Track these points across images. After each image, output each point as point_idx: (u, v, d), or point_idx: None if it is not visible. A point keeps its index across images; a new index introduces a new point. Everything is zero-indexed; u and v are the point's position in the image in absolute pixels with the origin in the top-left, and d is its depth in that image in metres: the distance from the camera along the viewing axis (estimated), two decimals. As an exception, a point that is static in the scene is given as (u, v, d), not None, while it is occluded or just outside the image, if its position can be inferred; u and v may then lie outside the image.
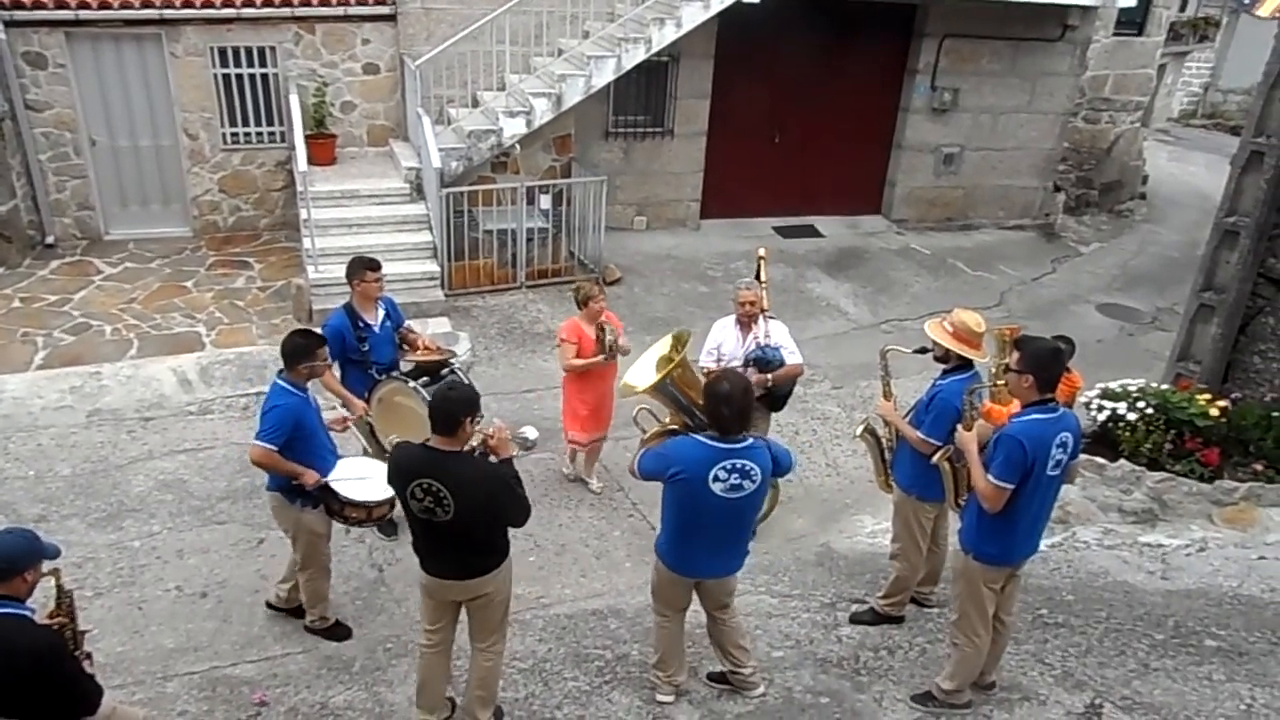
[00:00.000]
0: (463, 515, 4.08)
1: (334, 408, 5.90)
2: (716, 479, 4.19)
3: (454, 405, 4.07)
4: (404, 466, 4.17)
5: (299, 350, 4.95)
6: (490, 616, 4.46)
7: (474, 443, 4.22)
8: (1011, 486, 4.17)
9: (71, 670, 3.55)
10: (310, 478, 4.92)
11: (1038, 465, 4.15)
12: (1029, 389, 4.21)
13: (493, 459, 4.23)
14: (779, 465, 4.43)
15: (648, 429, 5.40)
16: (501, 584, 4.39)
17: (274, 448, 4.83)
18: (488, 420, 4.41)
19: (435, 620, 4.49)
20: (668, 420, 5.44)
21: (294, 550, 5.26)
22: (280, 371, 4.98)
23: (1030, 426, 4.16)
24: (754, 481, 4.25)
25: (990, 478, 4.21)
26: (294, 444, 4.89)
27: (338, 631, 5.43)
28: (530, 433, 4.54)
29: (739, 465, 4.20)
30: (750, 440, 4.27)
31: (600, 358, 6.58)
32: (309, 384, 5.06)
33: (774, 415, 6.51)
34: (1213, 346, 7.23)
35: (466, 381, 6.53)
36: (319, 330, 5.94)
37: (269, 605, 5.60)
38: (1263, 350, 7.19)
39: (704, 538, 4.39)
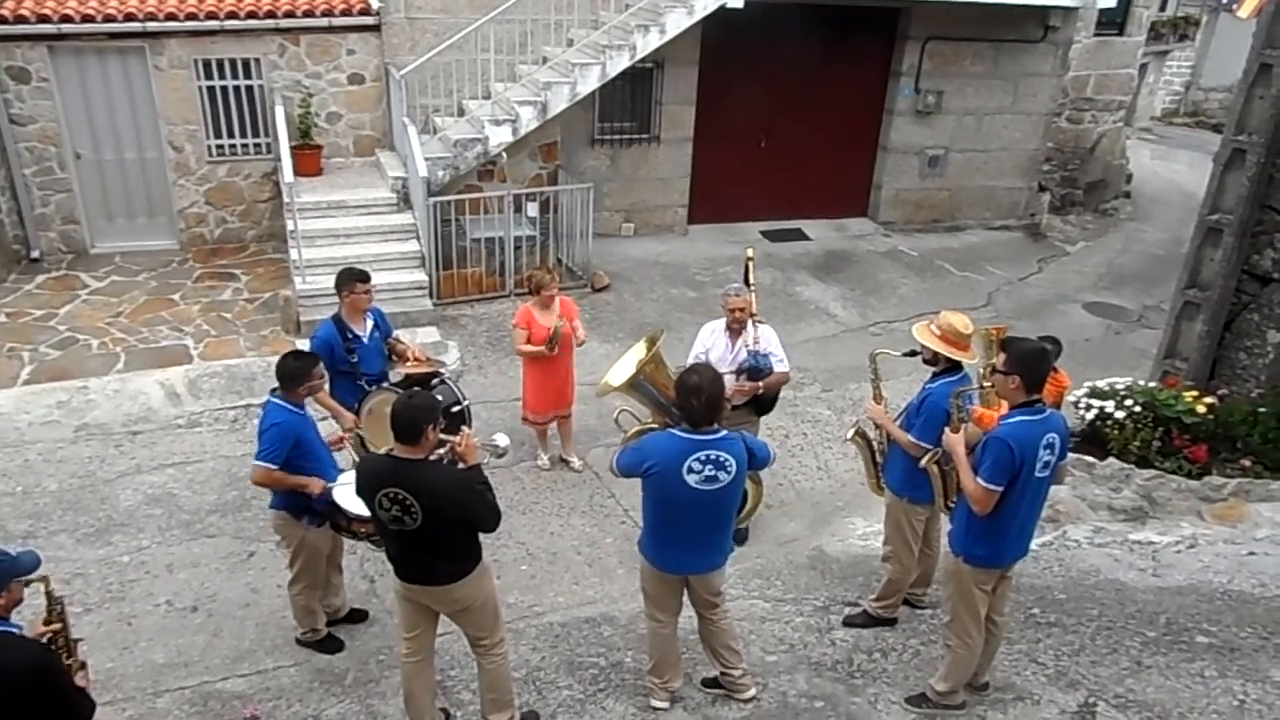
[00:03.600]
0: (431, 522, 4.08)
1: (324, 419, 5.88)
2: (691, 470, 4.20)
3: (415, 413, 4.08)
4: (370, 476, 4.18)
5: (296, 373, 4.92)
6: (474, 620, 4.46)
7: (441, 451, 4.22)
8: (1000, 489, 4.18)
9: (63, 684, 3.52)
10: (316, 486, 4.90)
11: (1026, 467, 4.17)
12: (1016, 390, 4.22)
13: (460, 466, 4.23)
14: (755, 457, 4.44)
15: (629, 430, 5.45)
16: (476, 589, 4.38)
17: (274, 466, 4.82)
18: (476, 429, 4.41)
19: (412, 627, 4.48)
20: (648, 420, 5.49)
21: (289, 565, 5.22)
22: (274, 390, 4.96)
23: (1018, 428, 4.17)
24: (729, 473, 4.26)
25: (979, 480, 4.22)
26: (294, 461, 4.86)
27: (330, 644, 5.40)
28: (501, 440, 4.53)
29: (713, 456, 4.22)
30: (724, 432, 4.29)
31: (544, 347, 6.85)
32: (305, 400, 5.04)
33: (763, 419, 6.51)
34: (1198, 343, 7.27)
35: (457, 391, 6.54)
36: (308, 345, 5.93)
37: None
38: (1248, 346, 7.23)
39: (683, 532, 4.40)
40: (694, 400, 4.21)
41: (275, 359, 5.12)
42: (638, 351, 5.59)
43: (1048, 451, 4.21)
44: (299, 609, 5.30)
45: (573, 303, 7.27)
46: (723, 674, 4.85)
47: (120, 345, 8.89)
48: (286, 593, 5.36)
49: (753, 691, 4.86)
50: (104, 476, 7.04)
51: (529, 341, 6.88)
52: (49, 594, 3.82)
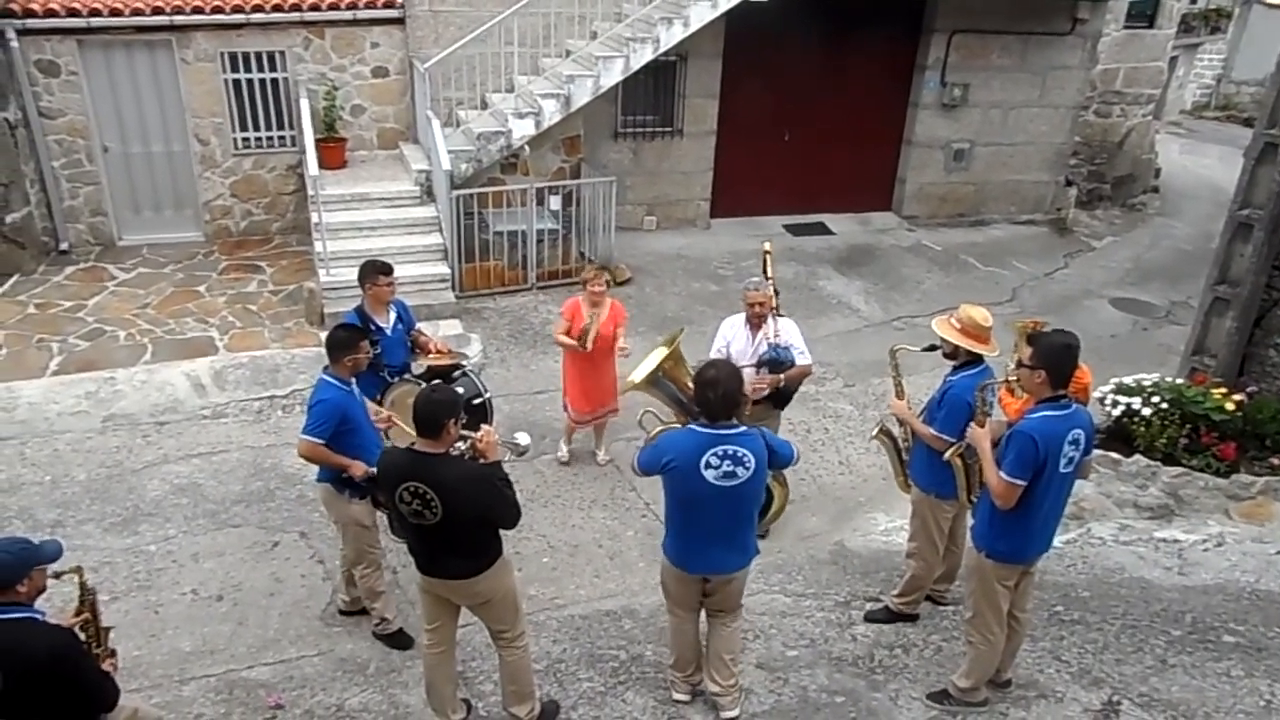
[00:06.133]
0: (450, 517, 4.09)
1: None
2: (709, 465, 4.18)
3: (436, 408, 4.09)
4: (391, 470, 4.20)
5: (342, 342, 5.02)
6: (494, 613, 4.48)
7: (462, 447, 4.24)
8: (1024, 483, 4.15)
9: (86, 668, 3.57)
10: (358, 469, 4.97)
11: (1050, 462, 4.13)
12: (1041, 384, 4.19)
13: (481, 462, 4.24)
14: (777, 456, 4.40)
15: (651, 430, 5.46)
16: (496, 584, 4.39)
17: (320, 441, 4.90)
18: (497, 422, 4.42)
19: (433, 619, 4.52)
20: (670, 420, 5.51)
21: (343, 544, 5.33)
22: (326, 368, 5.05)
23: (1043, 423, 4.14)
24: (748, 469, 4.23)
25: (1003, 474, 4.19)
26: (340, 437, 4.95)
27: (401, 639, 5.40)
28: (523, 438, 4.53)
29: (730, 451, 4.19)
30: (742, 428, 4.27)
31: (575, 342, 6.89)
32: (352, 378, 5.12)
33: (784, 414, 6.49)
34: (1227, 340, 7.18)
35: (479, 384, 6.56)
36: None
37: (340, 612, 5.62)
38: (1278, 343, 7.14)
39: (703, 530, 4.37)
40: (710, 394, 4.19)
41: (300, 351, 5.18)
42: (659, 351, 5.67)
43: (1072, 447, 4.17)
44: (367, 591, 5.34)
45: (623, 309, 7.24)
46: (708, 683, 4.76)
47: (147, 336, 8.97)
48: (350, 573, 5.41)
49: (735, 712, 4.73)
50: (131, 466, 7.12)
51: (567, 333, 6.93)
52: (82, 584, 3.86)
